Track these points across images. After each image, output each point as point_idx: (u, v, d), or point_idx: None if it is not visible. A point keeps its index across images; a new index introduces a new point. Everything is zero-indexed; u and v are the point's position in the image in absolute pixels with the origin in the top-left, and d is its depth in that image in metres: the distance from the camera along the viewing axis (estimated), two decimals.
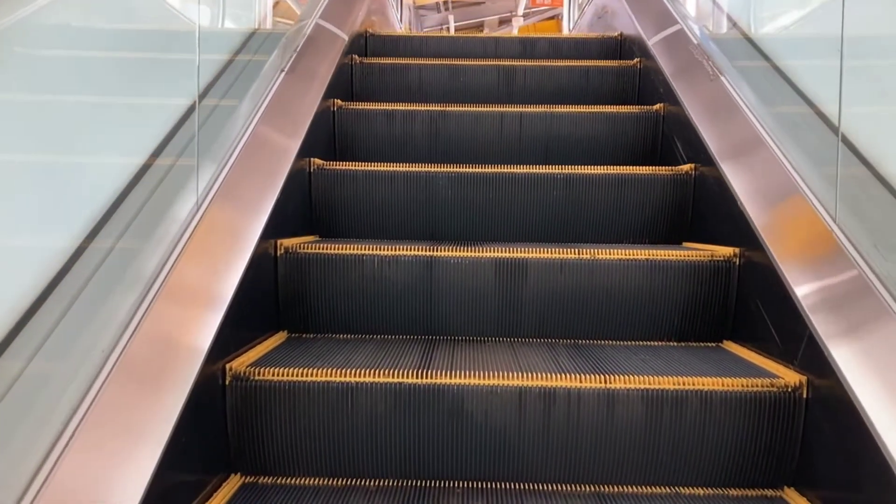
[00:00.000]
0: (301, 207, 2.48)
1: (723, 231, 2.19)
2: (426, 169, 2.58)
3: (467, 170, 2.55)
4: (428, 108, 2.98)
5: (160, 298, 1.49)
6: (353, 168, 2.56)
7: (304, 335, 2.11)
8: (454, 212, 2.57)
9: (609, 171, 2.55)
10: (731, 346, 2.02)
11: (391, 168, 2.57)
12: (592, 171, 2.57)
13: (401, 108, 2.98)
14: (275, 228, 2.04)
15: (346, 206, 2.57)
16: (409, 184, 2.56)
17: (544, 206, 2.54)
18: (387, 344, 2.00)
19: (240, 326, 1.73)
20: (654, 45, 3.17)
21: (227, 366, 1.64)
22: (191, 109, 1.90)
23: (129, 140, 1.81)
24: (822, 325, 1.56)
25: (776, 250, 1.80)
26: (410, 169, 2.57)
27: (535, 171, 2.54)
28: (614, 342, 2.09)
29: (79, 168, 1.62)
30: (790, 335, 1.68)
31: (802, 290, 1.66)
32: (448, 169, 2.56)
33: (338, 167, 2.57)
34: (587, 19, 5.38)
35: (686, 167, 2.53)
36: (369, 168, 2.56)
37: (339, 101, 2.96)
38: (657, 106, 2.96)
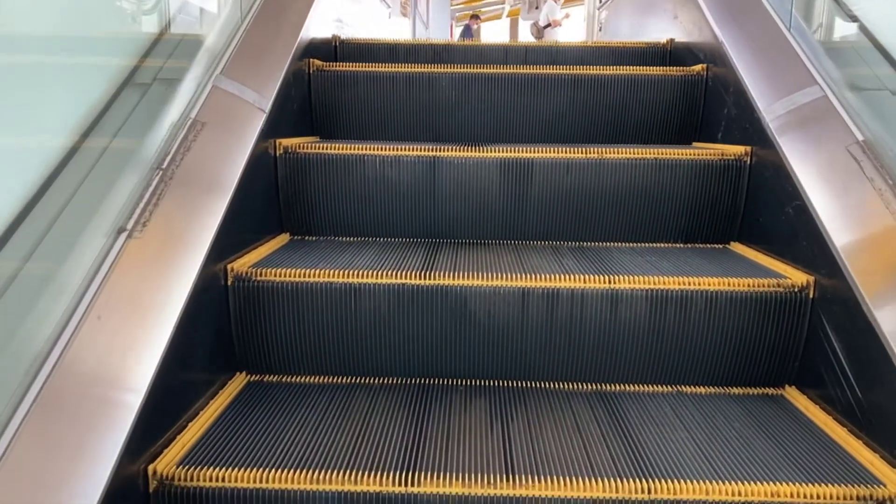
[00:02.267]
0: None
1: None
2: (430, 70, 2.51)
3: (473, 70, 2.48)
4: None
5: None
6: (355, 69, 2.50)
7: (306, 237, 2.09)
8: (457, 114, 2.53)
9: (619, 72, 2.48)
10: (738, 248, 2.00)
11: (393, 69, 2.50)
12: (599, 72, 2.50)
13: None
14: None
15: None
16: (410, 84, 2.51)
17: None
18: (390, 246, 1.98)
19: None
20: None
21: (229, 266, 1.62)
22: None
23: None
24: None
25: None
26: (413, 70, 2.50)
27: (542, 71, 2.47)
28: (620, 244, 2.06)
29: None
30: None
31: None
32: (452, 69, 2.50)
33: (338, 68, 2.50)
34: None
35: (697, 67, 2.44)
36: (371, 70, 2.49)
37: None
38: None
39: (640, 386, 1.66)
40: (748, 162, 1.99)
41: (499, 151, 2.05)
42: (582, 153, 2.04)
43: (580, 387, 1.66)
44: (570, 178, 2.05)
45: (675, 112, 2.50)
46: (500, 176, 2.05)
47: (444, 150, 2.05)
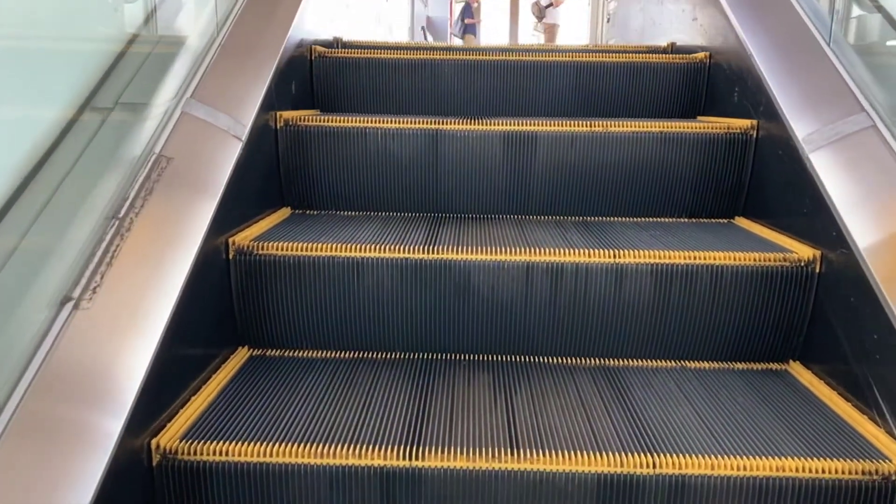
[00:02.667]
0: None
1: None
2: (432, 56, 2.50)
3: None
4: None
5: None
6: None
7: (307, 211, 2.07)
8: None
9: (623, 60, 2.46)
10: (743, 222, 1.98)
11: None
12: (604, 59, 2.49)
13: None
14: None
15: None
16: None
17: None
18: (392, 220, 1.96)
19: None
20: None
21: (230, 240, 1.61)
22: None
23: None
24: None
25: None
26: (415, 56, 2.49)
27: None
28: (624, 218, 2.05)
29: None
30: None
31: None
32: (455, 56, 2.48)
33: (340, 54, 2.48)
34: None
35: (701, 55, 2.42)
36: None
37: None
38: None
39: (644, 361, 1.66)
40: (754, 136, 1.97)
41: (502, 125, 2.03)
42: (586, 126, 2.02)
43: (584, 362, 1.66)
44: (574, 151, 2.03)
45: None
46: (504, 149, 2.03)
47: (446, 124, 2.03)
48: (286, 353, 1.66)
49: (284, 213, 2.03)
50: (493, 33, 16.16)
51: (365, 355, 1.66)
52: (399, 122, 2.03)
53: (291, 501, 1.23)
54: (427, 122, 2.03)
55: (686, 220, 2.05)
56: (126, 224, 1.29)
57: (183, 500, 1.23)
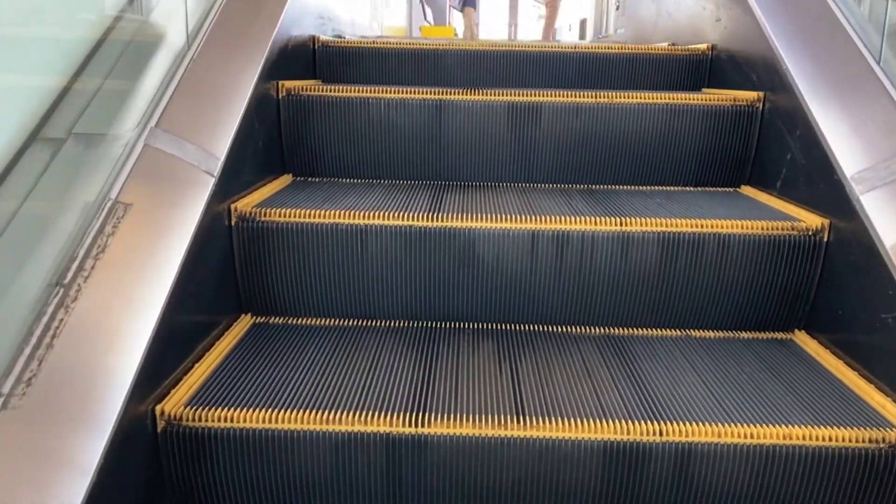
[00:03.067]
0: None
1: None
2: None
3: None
4: None
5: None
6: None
7: (309, 178, 2.05)
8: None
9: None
10: (750, 191, 1.97)
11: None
12: (607, 51, 2.48)
13: None
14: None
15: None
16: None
17: None
18: (396, 188, 1.95)
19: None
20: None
21: (233, 206, 1.59)
22: None
23: None
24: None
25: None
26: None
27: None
28: (630, 187, 2.03)
29: None
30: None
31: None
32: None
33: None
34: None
35: (703, 47, 2.38)
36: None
37: None
38: None
39: (650, 330, 1.65)
40: (760, 108, 1.94)
41: (507, 95, 2.00)
42: (591, 97, 2.00)
43: (589, 330, 1.65)
44: (579, 122, 2.01)
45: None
46: (508, 120, 2.01)
47: (450, 94, 2.00)
48: (290, 321, 1.65)
49: (286, 179, 2.01)
50: (493, 4, 16.00)
51: (369, 323, 1.65)
52: (402, 93, 2.00)
53: (296, 468, 1.23)
54: (431, 93, 2.01)
55: (692, 188, 2.03)
56: (72, 293, 1.10)
57: (188, 466, 1.23)
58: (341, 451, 1.22)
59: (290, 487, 1.24)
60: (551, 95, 1.99)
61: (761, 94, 1.94)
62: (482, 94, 2.00)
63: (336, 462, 1.23)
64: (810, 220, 1.58)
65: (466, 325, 1.66)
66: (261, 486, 1.24)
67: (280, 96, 1.98)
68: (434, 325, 1.66)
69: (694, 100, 1.99)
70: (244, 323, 1.62)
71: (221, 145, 1.53)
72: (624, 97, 1.99)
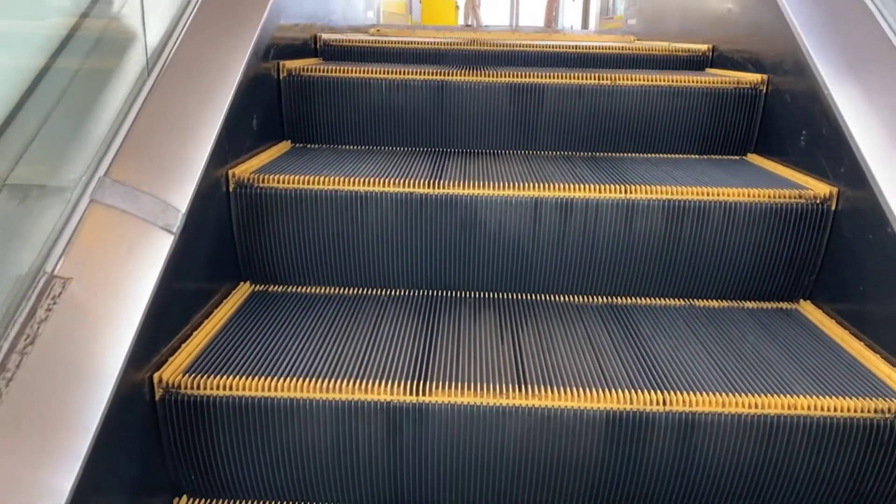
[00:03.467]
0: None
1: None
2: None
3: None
4: None
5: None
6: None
7: (308, 145, 2.02)
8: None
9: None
10: (756, 159, 1.94)
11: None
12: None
13: None
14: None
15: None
16: None
17: None
18: (396, 154, 1.92)
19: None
20: None
21: (230, 172, 1.56)
22: None
23: None
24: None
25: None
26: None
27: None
28: (635, 154, 2.00)
29: None
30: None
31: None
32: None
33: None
34: None
35: (703, 47, 2.33)
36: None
37: None
38: None
39: (654, 299, 1.63)
40: (764, 91, 1.92)
41: (509, 76, 1.98)
42: (594, 79, 1.98)
43: (592, 300, 1.63)
44: (581, 103, 1.99)
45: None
46: (511, 101, 1.99)
47: (452, 74, 1.98)
48: (289, 289, 1.63)
49: (285, 146, 1.97)
50: None
51: (369, 292, 1.64)
52: (404, 73, 1.98)
53: (296, 436, 1.22)
54: (432, 74, 1.98)
55: (697, 156, 2.00)
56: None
57: (187, 434, 1.22)
58: (341, 420, 1.21)
59: (290, 456, 1.23)
60: (553, 77, 1.98)
61: (765, 76, 1.93)
62: (484, 76, 1.98)
63: (336, 431, 1.22)
64: (818, 189, 1.56)
65: (468, 294, 1.64)
66: (260, 455, 1.24)
67: (281, 77, 1.93)
68: (435, 293, 1.64)
69: (696, 82, 1.98)
70: (243, 291, 1.60)
71: (183, 194, 1.28)
72: (626, 79, 1.97)
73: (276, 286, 1.64)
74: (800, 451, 1.21)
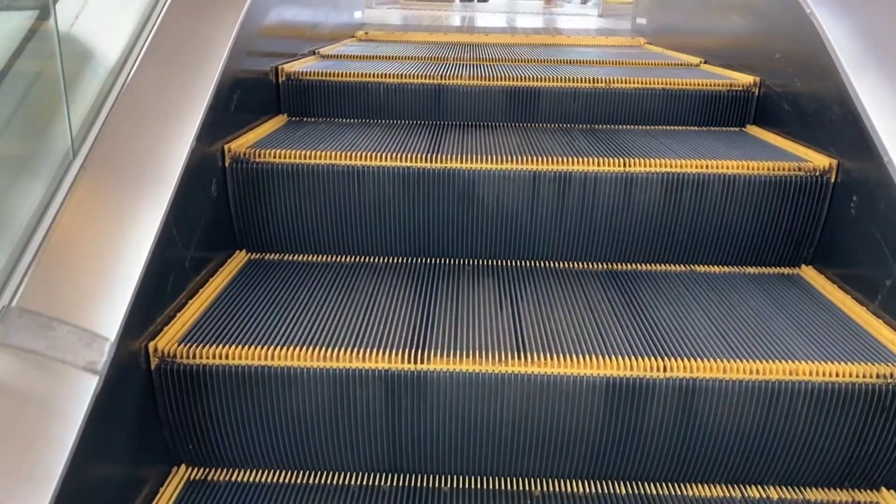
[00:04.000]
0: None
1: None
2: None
3: None
4: None
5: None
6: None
7: (305, 118, 2.00)
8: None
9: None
10: (755, 130, 1.93)
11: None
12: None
13: None
14: None
15: None
16: None
17: None
18: (393, 128, 1.91)
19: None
20: None
21: (226, 147, 1.55)
22: None
23: None
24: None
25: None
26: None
27: None
28: (634, 126, 2.00)
29: None
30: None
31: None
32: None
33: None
34: None
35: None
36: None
37: None
38: None
39: (654, 265, 1.62)
40: (755, 93, 1.95)
41: (505, 79, 2.01)
42: (589, 82, 2.00)
43: (592, 266, 1.62)
44: (576, 105, 2.01)
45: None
46: (508, 103, 2.01)
47: (449, 78, 2.01)
48: (285, 257, 1.62)
49: (281, 119, 1.96)
50: None
51: (366, 259, 1.62)
52: (403, 77, 1.99)
53: (294, 405, 1.21)
54: (430, 77, 2.01)
55: (696, 128, 1.99)
56: None
57: (183, 403, 1.21)
58: (339, 389, 1.20)
59: (288, 425, 1.22)
60: (549, 80, 2.01)
61: (757, 78, 1.95)
62: (481, 79, 2.01)
63: (334, 399, 1.21)
64: (818, 161, 1.55)
65: (466, 262, 1.63)
66: (257, 424, 1.22)
67: (280, 80, 1.92)
68: (434, 261, 1.63)
69: (690, 84, 2.00)
70: (239, 259, 1.58)
71: (113, 315, 1.03)
72: (621, 82, 2.00)
73: (273, 254, 1.63)
74: (801, 416, 1.20)
